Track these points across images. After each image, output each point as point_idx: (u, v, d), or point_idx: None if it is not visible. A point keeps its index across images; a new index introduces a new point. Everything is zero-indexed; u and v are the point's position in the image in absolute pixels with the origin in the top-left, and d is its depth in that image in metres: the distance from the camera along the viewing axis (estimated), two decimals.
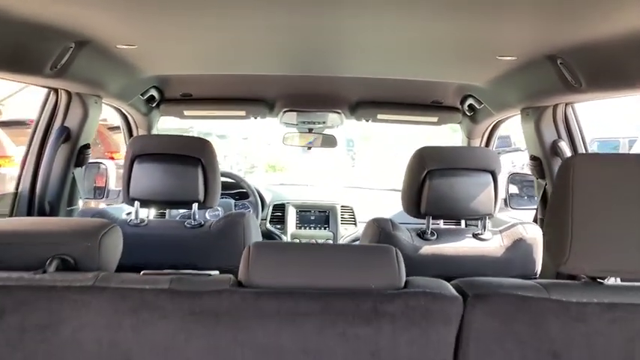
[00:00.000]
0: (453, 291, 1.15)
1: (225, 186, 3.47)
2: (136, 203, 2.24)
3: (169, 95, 3.06)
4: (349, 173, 13.57)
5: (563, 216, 1.14)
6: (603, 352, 1.12)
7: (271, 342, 1.09)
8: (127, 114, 3.09)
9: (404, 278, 1.17)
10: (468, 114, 3.10)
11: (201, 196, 2.22)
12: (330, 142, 3.58)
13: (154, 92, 2.93)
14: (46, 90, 2.36)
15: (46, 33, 1.67)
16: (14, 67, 1.71)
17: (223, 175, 3.34)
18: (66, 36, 1.74)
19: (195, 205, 2.25)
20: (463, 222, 3.22)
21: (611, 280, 1.21)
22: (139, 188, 2.21)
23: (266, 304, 1.10)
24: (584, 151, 2.43)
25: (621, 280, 1.23)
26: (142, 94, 2.88)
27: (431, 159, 2.20)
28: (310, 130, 3.56)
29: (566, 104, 2.36)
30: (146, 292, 1.09)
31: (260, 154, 16.58)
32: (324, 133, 3.58)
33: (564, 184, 1.15)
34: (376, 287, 1.13)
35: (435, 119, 3.29)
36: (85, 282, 1.11)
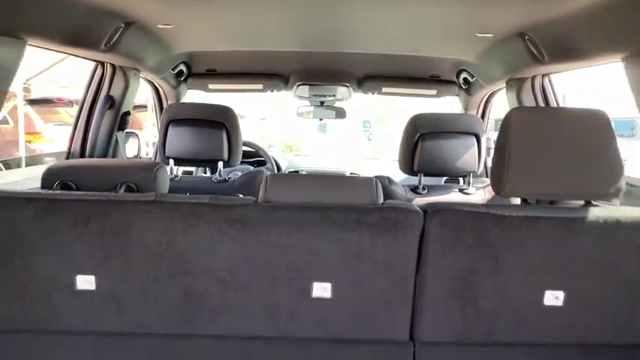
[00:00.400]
0: (416, 207, 1.52)
1: (245, 154, 3.87)
2: (171, 161, 2.65)
3: (196, 70, 3.45)
4: (365, 149, 13.95)
5: (503, 154, 1.50)
6: (531, 254, 1.49)
7: (283, 243, 1.48)
8: (158, 87, 3.49)
9: (381, 199, 1.55)
10: (463, 87, 3.43)
11: (225, 156, 2.62)
12: (340, 114, 3.95)
13: (182, 67, 3.32)
14: (93, 64, 2.77)
15: (103, 15, 2.06)
16: (78, 44, 2.11)
17: (244, 144, 3.74)
18: (118, 17, 2.13)
19: (220, 164, 2.65)
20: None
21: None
22: (173, 148, 2.61)
23: (279, 214, 1.49)
24: None
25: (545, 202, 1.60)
26: (172, 69, 3.27)
27: (422, 124, 2.57)
28: (322, 104, 3.93)
29: (543, 76, 2.69)
30: (193, 204, 1.49)
31: (277, 133, 16.98)
32: (334, 106, 3.95)
33: (505, 130, 1.51)
34: (359, 204, 1.51)
35: (434, 92, 3.64)
36: (148, 197, 1.51)
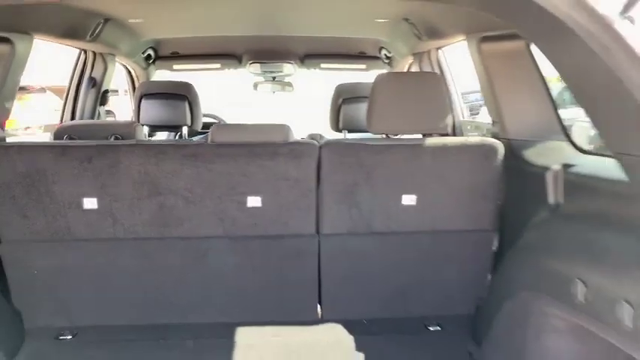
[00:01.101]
0: (315, 142, 2.25)
1: (207, 126, 4.56)
2: (145, 127, 3.32)
3: (162, 54, 4.10)
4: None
5: (371, 105, 2.23)
6: (391, 170, 2.22)
7: (225, 169, 2.19)
8: (130, 69, 4.14)
9: (291, 139, 2.27)
10: (386, 61, 4.15)
11: (188, 122, 3.31)
12: (288, 86, 4.66)
13: (150, 52, 3.97)
14: (77, 51, 3.41)
15: (88, 14, 2.71)
16: (70, 37, 2.77)
17: (207, 115, 4.41)
18: (99, 15, 2.78)
19: (184, 129, 3.34)
20: None
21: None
22: (145, 117, 3.28)
23: (221, 150, 2.20)
24: (452, 84, 3.49)
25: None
26: (142, 53, 3.92)
27: (344, 91, 3.32)
28: (274, 79, 4.63)
29: (437, 49, 3.42)
30: (162, 146, 2.19)
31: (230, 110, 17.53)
32: (284, 81, 4.66)
33: (373, 89, 2.23)
34: (276, 142, 2.23)
35: (364, 66, 4.37)
36: (131, 142, 2.21)
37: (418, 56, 3.53)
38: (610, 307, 1.31)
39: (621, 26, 1.14)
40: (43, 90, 11.59)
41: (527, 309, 1.76)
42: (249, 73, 4.47)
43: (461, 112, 3.38)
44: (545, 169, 1.98)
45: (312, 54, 4.27)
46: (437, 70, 3.47)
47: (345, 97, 3.32)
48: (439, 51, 3.42)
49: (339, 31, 3.68)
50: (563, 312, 1.54)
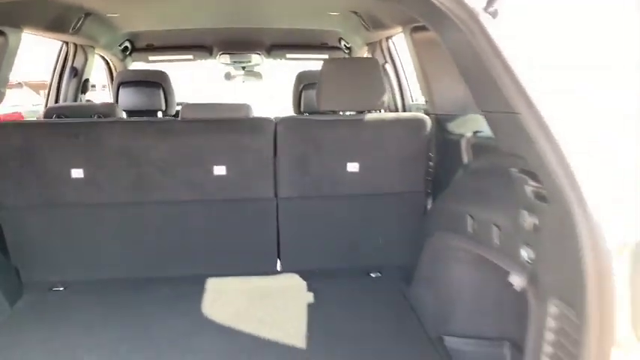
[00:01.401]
0: (272, 118, 2.62)
1: None
2: (123, 113, 3.66)
3: (138, 46, 4.43)
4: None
5: (319, 88, 2.62)
6: (336, 142, 2.61)
7: (194, 142, 2.56)
8: (109, 60, 4.46)
9: (252, 116, 2.64)
10: (346, 51, 4.54)
11: (163, 107, 3.66)
12: (257, 75, 5.02)
13: (127, 44, 4.30)
14: (60, 43, 3.73)
15: (71, 9, 3.03)
16: (54, 30, 3.09)
17: (180, 103, 4.75)
18: (80, 10, 3.11)
19: (159, 113, 3.69)
20: None
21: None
22: (124, 103, 3.63)
23: (190, 125, 2.56)
24: (401, 70, 3.89)
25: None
26: (119, 45, 4.25)
27: (304, 78, 3.71)
28: (243, 68, 4.99)
29: (387, 39, 3.82)
30: (138, 122, 2.55)
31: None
32: (253, 70, 5.02)
33: (320, 74, 2.62)
34: (237, 117, 2.60)
35: (327, 56, 4.74)
36: (112, 119, 2.56)
37: (372, 46, 3.93)
38: (486, 231, 1.72)
39: (484, 18, 1.54)
40: (20, 85, 11.77)
41: (439, 246, 2.18)
42: (219, 64, 4.82)
43: (410, 95, 3.79)
44: (462, 136, 2.39)
45: (278, 45, 4.64)
46: (387, 59, 3.88)
47: (305, 83, 3.71)
48: (389, 41, 3.82)
49: (301, 23, 4.05)
50: (462, 243, 1.95)
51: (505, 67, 1.37)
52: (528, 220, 1.44)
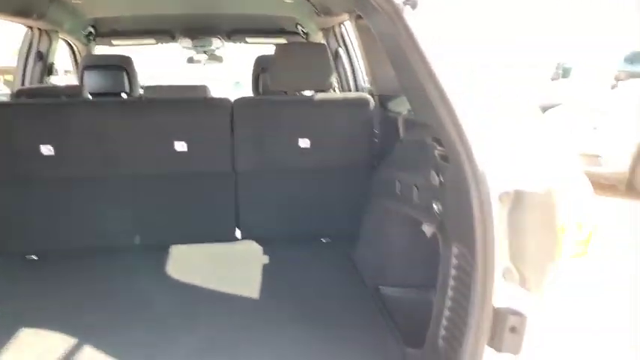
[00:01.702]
0: (229, 99, 2.86)
1: None
2: (88, 95, 3.84)
3: (102, 31, 4.57)
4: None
5: (271, 72, 2.87)
6: (289, 121, 2.87)
7: (156, 119, 2.78)
8: (73, 45, 4.60)
9: (209, 96, 2.88)
10: (303, 36, 4.78)
11: (127, 89, 3.85)
12: (218, 59, 5.23)
13: (91, 29, 4.44)
14: (26, 29, 3.86)
15: None
16: (20, 15, 3.25)
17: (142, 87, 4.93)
18: None
19: (123, 95, 3.88)
20: None
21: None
22: (89, 86, 3.80)
23: (153, 104, 2.79)
24: (353, 54, 4.15)
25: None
26: (83, 30, 4.39)
27: (263, 61, 3.94)
28: (205, 52, 5.19)
29: (340, 24, 4.08)
30: (104, 102, 2.76)
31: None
32: (214, 54, 5.22)
33: (272, 60, 2.86)
34: (196, 97, 2.83)
35: (285, 41, 4.98)
36: (79, 99, 2.76)
37: (325, 31, 4.18)
38: (409, 192, 2.02)
39: (404, 8, 1.81)
40: None
41: (376, 210, 2.48)
42: (182, 48, 5.01)
43: (363, 78, 4.06)
44: (399, 114, 2.68)
45: (238, 30, 4.85)
46: (341, 44, 4.14)
47: (263, 66, 3.95)
48: (342, 26, 4.07)
49: (259, 9, 4.27)
50: (392, 204, 2.26)
51: (416, 48, 1.64)
52: (436, 179, 1.74)
